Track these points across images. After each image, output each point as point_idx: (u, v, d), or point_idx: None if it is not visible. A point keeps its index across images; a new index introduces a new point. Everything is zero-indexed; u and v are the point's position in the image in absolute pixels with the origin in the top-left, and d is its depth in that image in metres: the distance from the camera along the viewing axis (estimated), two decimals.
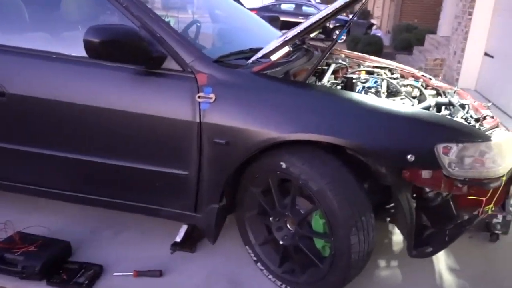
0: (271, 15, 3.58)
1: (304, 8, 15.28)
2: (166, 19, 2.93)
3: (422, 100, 2.42)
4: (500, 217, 2.23)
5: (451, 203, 1.84)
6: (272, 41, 2.14)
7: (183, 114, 1.81)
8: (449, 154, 1.63)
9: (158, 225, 2.38)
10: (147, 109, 1.84)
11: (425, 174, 1.66)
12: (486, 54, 6.03)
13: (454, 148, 1.63)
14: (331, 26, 13.54)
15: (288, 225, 1.96)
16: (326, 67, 2.65)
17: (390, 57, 9.46)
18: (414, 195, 1.86)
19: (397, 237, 2.45)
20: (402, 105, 1.81)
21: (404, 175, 1.68)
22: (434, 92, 2.57)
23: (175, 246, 2.14)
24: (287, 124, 1.71)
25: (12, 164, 2.17)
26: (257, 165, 1.87)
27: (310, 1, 16.31)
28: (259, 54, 1.94)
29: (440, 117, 1.77)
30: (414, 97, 2.50)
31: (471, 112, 2.14)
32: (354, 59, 2.94)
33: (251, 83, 1.81)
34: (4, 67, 2.01)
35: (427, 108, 2.18)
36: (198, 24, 3.01)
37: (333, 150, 1.80)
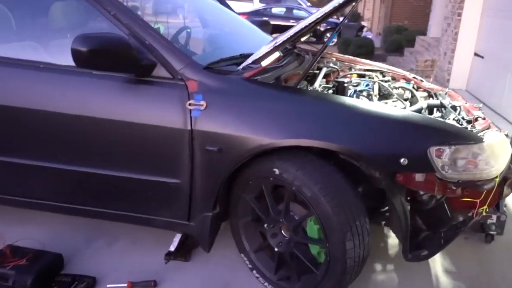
0: (261, 19, 3.58)
1: (295, 11, 15.32)
2: (156, 26, 2.94)
3: (414, 102, 2.43)
4: (494, 217, 2.23)
5: (446, 205, 1.84)
6: (262, 47, 2.13)
7: (174, 122, 1.79)
8: (442, 157, 1.62)
9: (151, 235, 2.35)
10: (138, 118, 1.82)
11: (419, 177, 1.66)
12: (476, 54, 6.07)
13: (447, 150, 1.63)
14: (322, 29, 13.58)
15: (282, 232, 1.94)
16: (317, 71, 2.65)
17: (381, 59, 9.51)
18: (408, 198, 1.86)
19: (393, 240, 2.44)
20: (394, 109, 1.81)
21: (397, 179, 1.68)
22: (425, 94, 2.57)
23: (169, 256, 2.11)
24: (279, 130, 1.70)
25: (1, 176, 2.13)
26: (250, 171, 1.85)
27: (301, 5, 16.36)
28: (250, 60, 1.93)
29: (432, 120, 1.77)
30: (406, 100, 2.50)
31: (463, 114, 2.15)
32: (346, 63, 2.94)
33: (242, 89, 1.80)
34: None
35: (419, 110, 2.18)
36: (189, 30, 3.00)
37: (326, 155, 1.79)
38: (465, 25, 6.07)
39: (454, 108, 2.20)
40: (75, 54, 1.64)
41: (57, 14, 2.19)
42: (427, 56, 7.66)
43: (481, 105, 2.34)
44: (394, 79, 2.81)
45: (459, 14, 6.08)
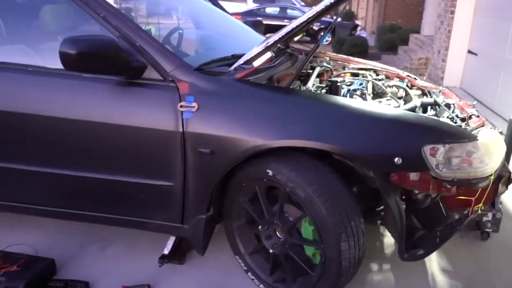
0: (254, 19, 3.56)
1: (289, 11, 15.32)
2: (147, 27, 2.91)
3: (408, 101, 2.42)
4: (490, 215, 2.23)
5: (441, 204, 1.83)
6: (254, 47, 2.11)
7: (165, 124, 1.77)
8: (436, 156, 1.61)
9: (144, 238, 2.33)
10: (129, 120, 1.80)
11: (413, 176, 1.65)
12: (469, 51, 6.08)
13: (441, 149, 1.61)
14: (316, 28, 13.59)
15: (277, 233, 1.92)
16: (311, 71, 2.64)
17: (376, 57, 9.53)
18: (404, 197, 1.85)
19: (389, 239, 2.43)
20: (387, 108, 1.80)
21: (392, 178, 1.67)
22: (419, 92, 2.56)
23: (163, 259, 2.09)
24: (271, 131, 1.68)
25: None
26: (244, 173, 1.83)
27: (294, 4, 16.37)
28: (241, 61, 1.91)
29: (426, 118, 1.76)
30: (400, 98, 2.49)
31: (457, 112, 2.14)
32: (339, 62, 2.93)
33: (233, 90, 1.78)
34: None
35: (413, 108, 2.17)
36: (180, 31, 2.98)
37: (320, 156, 1.77)
38: (458, 23, 6.08)
39: (448, 106, 2.19)
40: (64, 57, 1.61)
41: (47, 17, 2.16)
42: (421, 54, 7.67)
43: (475, 102, 2.34)
44: (387, 77, 2.80)
45: (452, 12, 6.10)
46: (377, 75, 2.82)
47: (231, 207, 1.96)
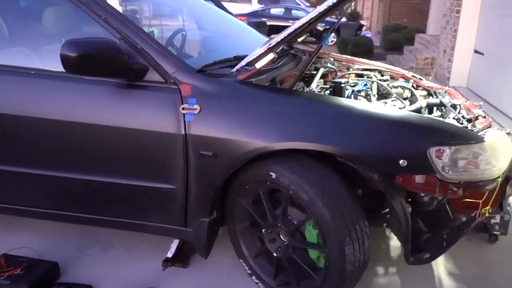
0: (258, 20, 3.54)
1: (293, 12, 15.29)
2: (150, 29, 2.90)
3: (413, 101, 2.39)
4: (498, 217, 2.19)
5: (447, 207, 1.80)
6: (257, 48, 2.09)
7: (167, 127, 1.75)
8: (442, 158, 1.58)
9: (147, 241, 2.32)
10: (131, 123, 1.78)
11: (419, 179, 1.62)
12: (476, 51, 6.02)
13: (447, 151, 1.58)
14: (321, 29, 13.54)
15: (281, 236, 1.90)
16: (314, 72, 2.61)
17: (381, 57, 9.47)
18: (409, 200, 1.82)
19: (395, 242, 2.40)
20: (391, 109, 1.77)
21: (397, 181, 1.64)
22: (425, 92, 2.53)
23: (167, 262, 2.08)
24: (273, 133, 1.66)
25: None
26: (246, 176, 1.81)
27: (299, 5, 16.33)
28: (243, 62, 1.89)
29: (431, 119, 1.73)
30: (405, 99, 2.46)
31: (463, 112, 2.11)
32: (343, 62, 2.90)
33: (236, 92, 1.76)
34: None
35: (419, 109, 2.14)
36: (184, 33, 2.96)
37: (323, 158, 1.75)
38: (464, 22, 6.03)
39: (454, 106, 2.16)
40: (65, 59, 1.60)
41: (48, 19, 2.16)
42: (427, 54, 7.62)
43: (481, 102, 2.30)
44: (392, 78, 2.77)
45: (458, 11, 6.05)
46: (382, 75, 2.79)
47: (234, 209, 1.94)
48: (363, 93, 2.28)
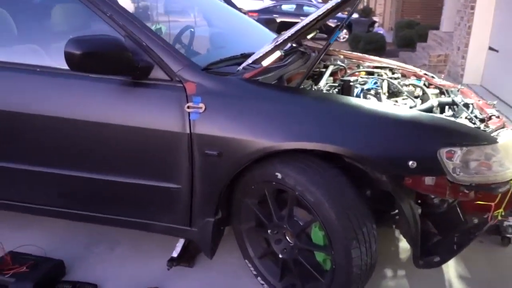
0: (267, 17, 3.50)
1: (305, 8, 15.17)
2: (158, 26, 2.89)
3: (425, 100, 2.33)
4: (511, 220, 2.14)
5: (458, 209, 1.75)
6: (264, 46, 2.06)
7: (172, 125, 1.73)
8: (453, 159, 1.54)
9: (152, 239, 2.30)
10: (135, 121, 1.77)
11: (428, 180, 1.58)
12: (490, 48, 5.90)
13: (458, 152, 1.54)
14: (332, 25, 13.42)
15: (287, 238, 1.87)
16: (324, 70, 2.57)
17: (393, 54, 9.36)
18: (419, 201, 1.78)
19: (404, 244, 2.35)
20: (400, 109, 1.72)
21: (406, 182, 1.60)
22: (437, 91, 2.47)
23: (172, 262, 2.06)
24: (279, 132, 1.62)
25: (1, 181, 2.10)
26: (252, 176, 1.79)
27: (311, 1, 16.21)
28: (250, 60, 1.86)
29: (442, 119, 1.68)
30: (416, 97, 2.41)
31: (476, 112, 2.04)
32: (353, 60, 2.85)
33: (241, 90, 1.73)
34: None
35: (430, 108, 2.09)
36: (192, 29, 2.94)
37: (331, 158, 1.71)
38: (478, 19, 5.91)
39: (466, 106, 2.10)
40: (69, 57, 1.59)
41: (53, 17, 2.15)
42: (440, 51, 7.50)
43: (495, 102, 2.24)
44: (404, 76, 2.72)
45: (472, 7, 5.93)
46: (393, 73, 2.73)
47: (240, 209, 1.92)
48: (372, 92, 2.23)
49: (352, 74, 2.60)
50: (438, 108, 2.13)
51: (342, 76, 2.49)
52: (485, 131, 1.70)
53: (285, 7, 15.47)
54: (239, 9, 3.10)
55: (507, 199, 1.67)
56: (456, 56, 6.58)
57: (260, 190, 1.81)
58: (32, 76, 1.89)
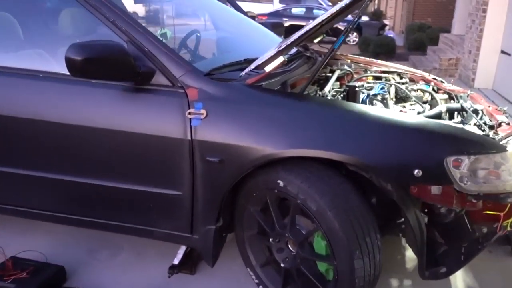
0: (274, 21, 3.48)
1: (315, 11, 15.12)
2: (163, 30, 2.88)
3: (433, 105, 2.29)
4: None
5: (466, 219, 1.70)
6: (268, 50, 2.03)
7: (173, 132, 1.71)
8: (460, 168, 1.49)
9: (155, 246, 2.28)
10: (136, 127, 1.75)
11: (435, 190, 1.53)
12: (502, 52, 5.81)
13: (466, 160, 1.49)
14: (342, 28, 13.35)
15: (289, 246, 1.83)
16: (330, 74, 2.54)
17: (403, 58, 9.28)
18: (426, 210, 1.73)
19: (411, 253, 2.29)
20: (406, 115, 1.68)
21: (411, 191, 1.55)
22: (446, 96, 2.42)
23: (173, 269, 2.04)
24: (282, 139, 1.59)
25: (2, 186, 2.10)
26: (254, 183, 1.75)
27: (321, 4, 16.16)
28: (252, 66, 1.83)
29: (449, 127, 1.63)
30: (425, 102, 2.36)
31: (485, 118, 1.99)
32: (361, 64, 2.81)
33: (244, 96, 1.71)
34: None
35: (439, 114, 2.05)
36: (198, 34, 2.93)
37: (336, 166, 1.67)
38: (490, 22, 5.82)
39: (475, 112, 2.05)
40: (69, 63, 1.57)
41: (55, 22, 2.14)
42: (451, 55, 7.40)
43: (505, 108, 2.18)
44: (412, 80, 2.67)
45: (484, 10, 5.84)
46: (401, 78, 2.69)
47: (243, 216, 1.89)
48: (379, 97, 2.19)
49: (359, 79, 2.57)
50: (447, 114, 2.09)
51: (349, 81, 2.45)
52: (494, 138, 1.65)
53: (295, 10, 15.44)
54: (246, 13, 3.08)
55: None
56: (467, 59, 6.49)
57: (263, 198, 1.78)
58: (34, 81, 1.88)
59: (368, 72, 2.70)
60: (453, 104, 2.16)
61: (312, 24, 1.86)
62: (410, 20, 13.55)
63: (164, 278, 2.07)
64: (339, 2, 1.95)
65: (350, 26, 1.94)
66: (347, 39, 13.65)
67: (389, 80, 2.58)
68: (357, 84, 2.25)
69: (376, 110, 1.66)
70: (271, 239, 1.84)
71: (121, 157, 1.82)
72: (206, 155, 1.69)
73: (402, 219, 1.88)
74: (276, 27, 3.25)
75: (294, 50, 2.49)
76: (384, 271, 1.99)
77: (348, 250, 1.54)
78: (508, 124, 1.89)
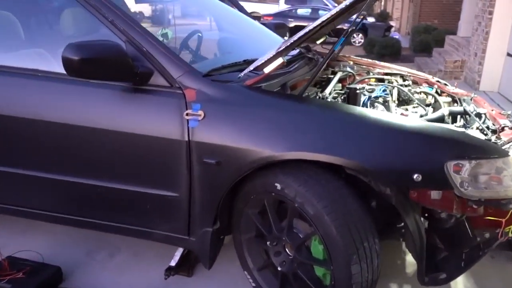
0: (277, 22, 3.46)
1: (320, 12, 15.05)
2: (164, 31, 2.86)
3: (436, 108, 2.26)
4: None
5: (466, 224, 1.67)
6: (268, 51, 2.01)
7: (171, 133, 1.69)
8: (461, 172, 1.46)
9: (154, 247, 2.26)
10: (134, 128, 1.73)
11: (434, 194, 1.50)
12: (509, 54, 5.75)
13: (467, 165, 1.46)
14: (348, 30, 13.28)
15: (287, 250, 1.81)
16: (332, 76, 2.51)
17: (408, 60, 9.22)
18: (426, 215, 1.70)
19: (411, 257, 2.26)
20: (406, 119, 1.65)
21: (411, 196, 1.52)
22: (449, 99, 2.39)
23: (170, 271, 2.02)
24: (280, 142, 1.57)
25: (1, 186, 2.09)
26: (252, 185, 1.74)
27: (327, 5, 16.11)
28: (251, 67, 1.81)
29: (449, 131, 1.60)
30: (428, 105, 2.34)
31: (488, 122, 1.96)
32: (363, 66, 2.79)
33: (242, 98, 1.69)
34: None
35: (441, 117, 2.02)
36: (200, 34, 2.91)
37: (335, 170, 1.65)
38: (496, 24, 5.76)
39: (478, 115, 2.02)
40: (66, 63, 1.56)
41: (55, 21, 2.14)
42: (457, 57, 7.34)
43: (509, 112, 2.15)
44: (415, 83, 2.64)
45: (491, 13, 5.78)
46: (404, 80, 2.66)
47: (240, 219, 1.87)
48: (380, 100, 2.17)
49: (361, 81, 2.54)
50: (450, 118, 2.06)
51: (350, 83, 2.43)
52: (496, 143, 1.63)
53: (301, 11, 15.39)
54: (248, 13, 3.06)
55: None
56: (473, 62, 6.43)
57: (260, 200, 1.76)
58: (31, 81, 1.87)
59: (371, 74, 2.67)
60: (456, 108, 2.13)
61: (312, 25, 1.83)
62: (416, 22, 13.46)
63: (161, 279, 2.06)
64: (340, 4, 1.92)
65: (351, 28, 1.92)
66: (352, 40, 13.61)
67: (392, 82, 2.56)
68: (358, 86, 2.22)
69: (375, 113, 1.64)
70: (268, 242, 1.82)
71: (118, 157, 1.81)
72: (203, 157, 1.67)
73: (403, 223, 1.85)
74: (279, 28, 3.22)
75: (296, 51, 2.47)
76: (384, 276, 1.96)
77: (345, 255, 1.52)
78: (511, 128, 1.86)
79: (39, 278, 1.92)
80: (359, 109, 1.67)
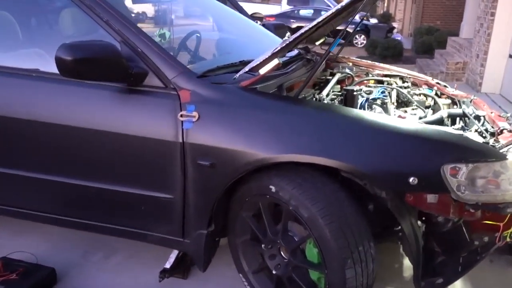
0: (276, 23, 3.44)
1: (323, 13, 15.00)
2: (162, 31, 2.85)
3: (436, 110, 2.24)
4: None
5: (463, 228, 1.65)
6: (264, 53, 1.99)
7: (165, 134, 1.68)
8: (458, 176, 1.44)
9: (149, 249, 2.24)
10: (128, 129, 1.72)
11: (431, 198, 1.48)
12: (510, 56, 5.72)
13: (464, 168, 1.44)
14: (350, 30, 13.26)
15: (282, 253, 1.79)
16: (330, 77, 2.50)
17: (410, 61, 9.18)
18: (423, 219, 1.68)
19: (409, 261, 2.24)
20: (403, 121, 1.63)
21: (407, 199, 1.50)
22: (449, 101, 2.37)
23: (164, 273, 2.01)
24: (274, 144, 1.55)
25: None
26: (246, 188, 1.72)
27: (329, 6, 16.09)
28: (247, 68, 1.79)
29: (446, 133, 1.58)
30: (427, 107, 2.32)
31: (487, 125, 1.93)
32: (363, 68, 2.77)
33: (237, 99, 1.67)
34: None
35: (440, 120, 2.00)
36: (198, 35, 2.90)
37: (331, 173, 1.63)
38: (499, 26, 5.73)
39: (477, 118, 1.99)
40: (60, 63, 1.55)
41: (49, 22, 2.13)
42: (458, 58, 7.31)
43: (509, 114, 2.12)
44: (415, 85, 2.62)
45: (493, 14, 5.75)
46: (403, 82, 2.64)
47: (235, 222, 1.85)
48: (378, 101, 2.15)
49: (360, 83, 2.52)
50: (449, 120, 2.04)
51: (347, 85, 2.41)
52: (494, 146, 1.60)
53: (303, 12, 15.39)
54: (248, 14, 3.05)
55: None
56: (475, 63, 6.40)
57: (255, 203, 1.75)
58: (26, 81, 1.86)
59: (370, 75, 2.65)
60: (455, 110, 2.11)
61: (308, 26, 1.82)
62: (419, 23, 13.43)
63: (156, 282, 2.04)
64: (338, 4, 1.91)
65: (348, 29, 1.90)
66: (355, 41, 13.59)
67: (391, 84, 2.53)
68: (355, 87, 2.21)
69: (372, 116, 1.62)
70: (263, 245, 1.80)
71: (112, 159, 1.80)
72: (197, 159, 1.66)
73: (399, 227, 1.83)
74: (278, 29, 3.21)
75: (295, 52, 2.45)
76: (381, 279, 1.94)
77: (339, 258, 1.50)
78: (510, 131, 1.83)
79: (32, 280, 1.91)
80: (355, 111, 1.65)
